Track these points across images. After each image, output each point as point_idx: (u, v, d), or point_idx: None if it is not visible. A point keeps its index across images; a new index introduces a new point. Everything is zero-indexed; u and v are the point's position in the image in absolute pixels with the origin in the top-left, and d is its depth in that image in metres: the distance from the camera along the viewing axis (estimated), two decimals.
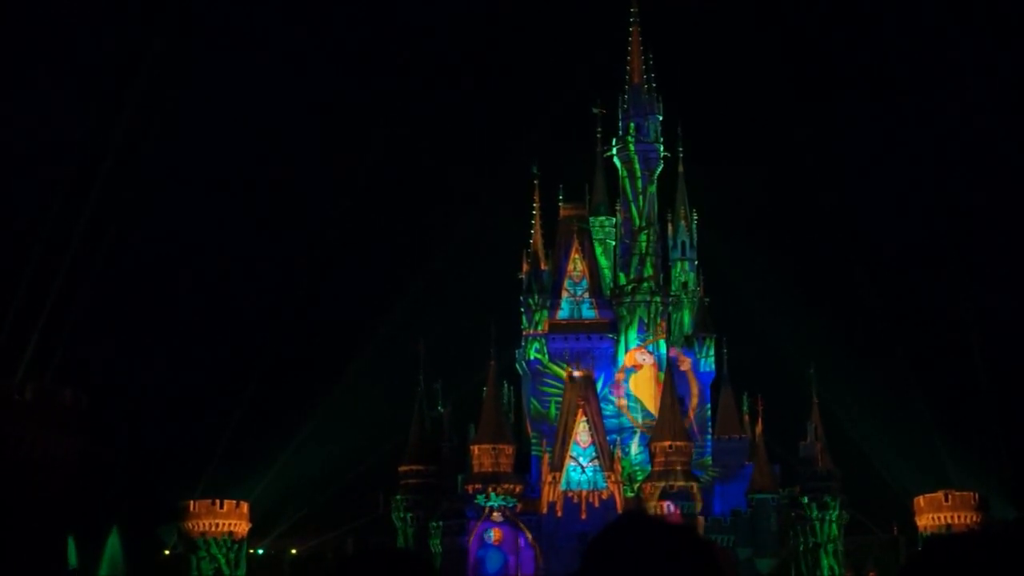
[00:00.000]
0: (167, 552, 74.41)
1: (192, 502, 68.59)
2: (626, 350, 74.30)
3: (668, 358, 73.86)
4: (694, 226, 79.94)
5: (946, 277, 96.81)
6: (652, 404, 72.50)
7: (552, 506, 67.36)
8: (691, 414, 74.38)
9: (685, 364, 75.76)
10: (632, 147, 76.85)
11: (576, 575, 3.83)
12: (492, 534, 67.09)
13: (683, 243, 79.37)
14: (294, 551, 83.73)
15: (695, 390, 75.66)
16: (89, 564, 67.30)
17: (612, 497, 67.15)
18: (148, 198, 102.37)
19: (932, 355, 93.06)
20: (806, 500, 68.71)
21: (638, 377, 73.97)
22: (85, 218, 67.15)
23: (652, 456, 68.67)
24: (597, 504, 66.91)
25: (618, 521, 3.89)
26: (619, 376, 74.03)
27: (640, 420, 72.81)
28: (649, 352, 74.19)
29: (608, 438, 69.32)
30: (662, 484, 67.24)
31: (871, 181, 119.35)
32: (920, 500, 70.63)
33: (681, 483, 67.08)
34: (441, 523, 69.65)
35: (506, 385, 73.57)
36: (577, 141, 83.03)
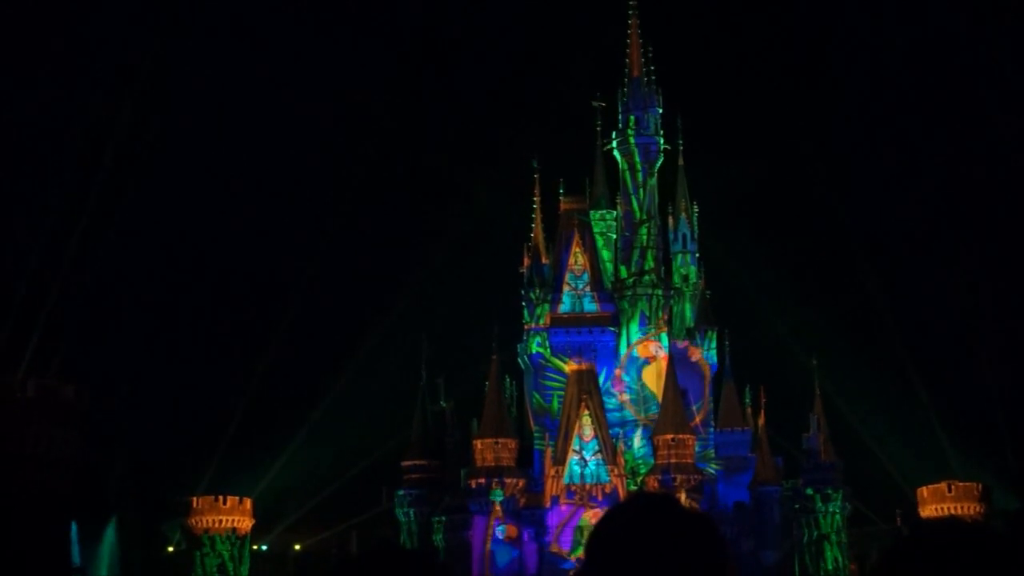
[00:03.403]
0: (170, 549, 74.42)
1: (195, 498, 68.59)
2: (628, 343, 74.04)
3: (671, 351, 73.63)
4: (695, 219, 79.84)
5: (948, 268, 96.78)
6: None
7: (555, 500, 67.29)
8: (704, 407, 74.20)
9: (696, 354, 75.45)
10: (632, 140, 76.57)
11: (586, 561, 3.77)
12: (505, 530, 67.07)
13: (684, 236, 79.26)
14: (297, 547, 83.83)
15: (707, 378, 75.55)
16: (92, 561, 67.30)
17: (615, 491, 67.07)
18: (149, 195, 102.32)
19: (934, 346, 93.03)
20: (811, 492, 68.62)
21: (651, 369, 73.48)
22: (87, 214, 67.16)
23: (655, 449, 68.54)
24: (600, 498, 66.83)
25: (624, 503, 3.82)
26: (618, 372, 73.63)
27: (647, 413, 72.35)
28: (655, 341, 73.81)
29: (611, 432, 69.19)
30: (665, 477, 67.15)
31: (872, 172, 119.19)
32: (923, 491, 70.64)
33: (684, 476, 66.95)
34: (444, 518, 69.60)
35: (508, 379, 73.47)
36: (577, 135, 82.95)
